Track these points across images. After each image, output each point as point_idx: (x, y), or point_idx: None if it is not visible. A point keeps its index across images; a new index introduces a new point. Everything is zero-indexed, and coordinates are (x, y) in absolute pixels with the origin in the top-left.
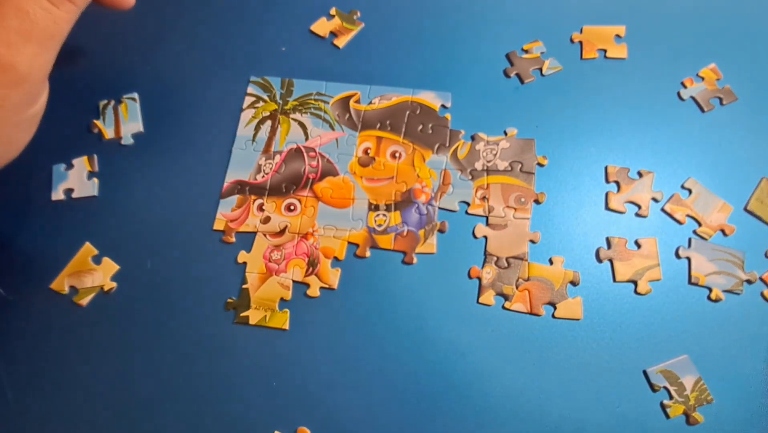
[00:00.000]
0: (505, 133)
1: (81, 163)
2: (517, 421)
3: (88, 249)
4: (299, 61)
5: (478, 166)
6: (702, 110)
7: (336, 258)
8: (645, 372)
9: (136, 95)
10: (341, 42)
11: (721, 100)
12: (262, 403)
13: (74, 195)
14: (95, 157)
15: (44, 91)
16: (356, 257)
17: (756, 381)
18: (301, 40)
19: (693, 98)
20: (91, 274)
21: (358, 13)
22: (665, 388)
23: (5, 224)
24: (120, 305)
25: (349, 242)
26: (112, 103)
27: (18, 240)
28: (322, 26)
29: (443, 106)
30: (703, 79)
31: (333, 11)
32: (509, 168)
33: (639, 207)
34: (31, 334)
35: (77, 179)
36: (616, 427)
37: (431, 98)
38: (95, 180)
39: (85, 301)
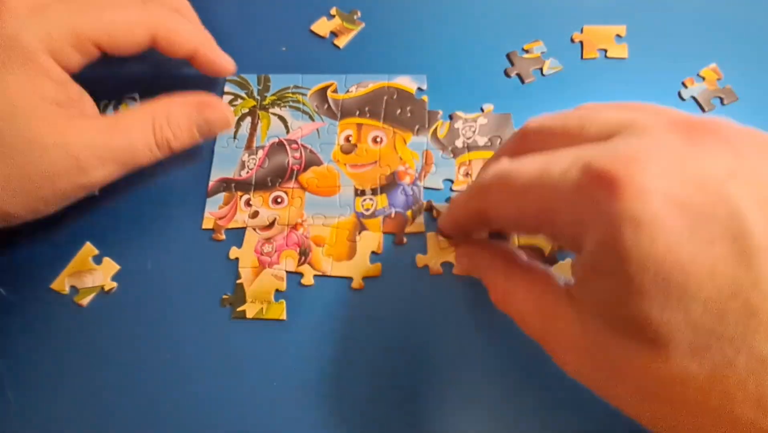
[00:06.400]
0: (482, 110)
1: None
2: (519, 414)
3: (89, 249)
4: (299, 61)
5: (459, 144)
6: (703, 110)
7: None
8: None
9: (136, 95)
10: (341, 42)
11: (722, 99)
12: (265, 394)
13: None
14: None
15: None
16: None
17: None
18: (302, 40)
19: (694, 98)
20: (92, 274)
21: (359, 13)
22: None
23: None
24: (120, 305)
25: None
26: (113, 103)
27: (18, 240)
28: (322, 26)
29: (419, 89)
30: (703, 78)
31: (333, 11)
32: (489, 143)
33: None
34: (31, 334)
35: None
36: (617, 424)
37: (407, 82)
38: None
39: (85, 301)
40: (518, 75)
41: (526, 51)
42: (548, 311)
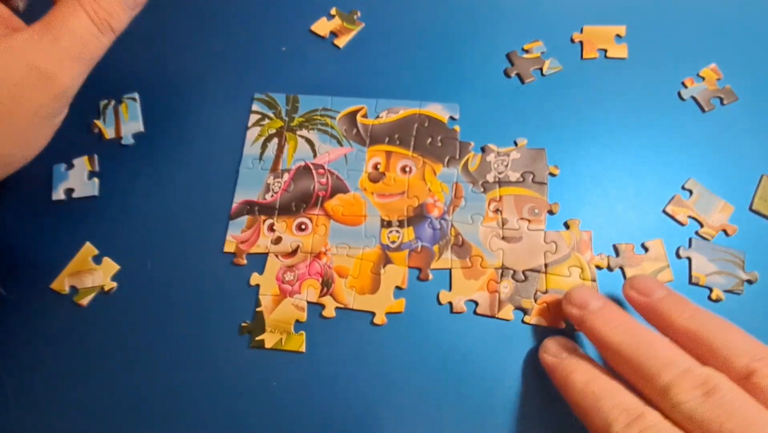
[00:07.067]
0: (516, 144)
1: (81, 163)
2: (521, 420)
3: (89, 249)
4: (299, 61)
5: (490, 178)
6: (702, 110)
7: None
8: None
9: (136, 95)
10: (341, 42)
11: (721, 100)
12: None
13: (75, 195)
14: (96, 157)
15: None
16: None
17: None
18: (302, 40)
19: (693, 98)
20: (92, 274)
21: (359, 13)
22: None
23: (5, 223)
24: (120, 305)
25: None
26: (113, 103)
27: (18, 240)
28: (322, 26)
29: (452, 117)
30: (703, 79)
31: (333, 11)
32: (521, 179)
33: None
34: (31, 334)
35: (78, 179)
36: None
37: (439, 110)
38: (96, 180)
39: (85, 301)
40: (518, 75)
41: (526, 51)
42: None
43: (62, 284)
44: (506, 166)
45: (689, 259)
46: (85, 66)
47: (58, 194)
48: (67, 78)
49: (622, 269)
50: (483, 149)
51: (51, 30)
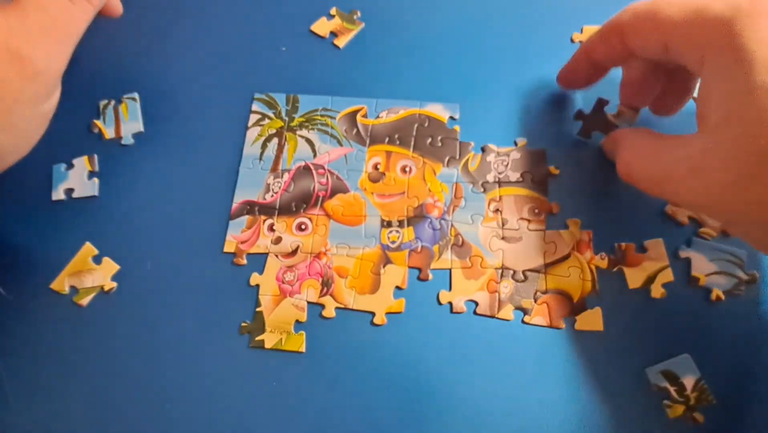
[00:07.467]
0: (516, 144)
1: (81, 163)
2: (521, 421)
3: (89, 249)
4: (299, 61)
5: (490, 178)
6: None
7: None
8: (645, 372)
9: (136, 95)
10: (341, 42)
11: None
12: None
13: (74, 195)
14: (95, 157)
15: (57, 89)
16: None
17: (756, 381)
18: (301, 39)
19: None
20: (92, 274)
21: (359, 13)
22: (665, 388)
23: (5, 223)
24: (121, 305)
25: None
26: (113, 103)
27: (18, 240)
28: (322, 26)
29: (452, 117)
30: None
31: (333, 11)
32: (521, 179)
33: None
34: (31, 334)
35: (77, 179)
36: (616, 427)
37: (439, 110)
38: (96, 180)
39: (85, 301)
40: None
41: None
42: (667, 155)
43: (62, 284)
44: (506, 166)
45: (689, 259)
46: (59, 43)
47: (58, 194)
48: (40, 58)
49: (622, 269)
50: (483, 149)
51: (18, 6)
